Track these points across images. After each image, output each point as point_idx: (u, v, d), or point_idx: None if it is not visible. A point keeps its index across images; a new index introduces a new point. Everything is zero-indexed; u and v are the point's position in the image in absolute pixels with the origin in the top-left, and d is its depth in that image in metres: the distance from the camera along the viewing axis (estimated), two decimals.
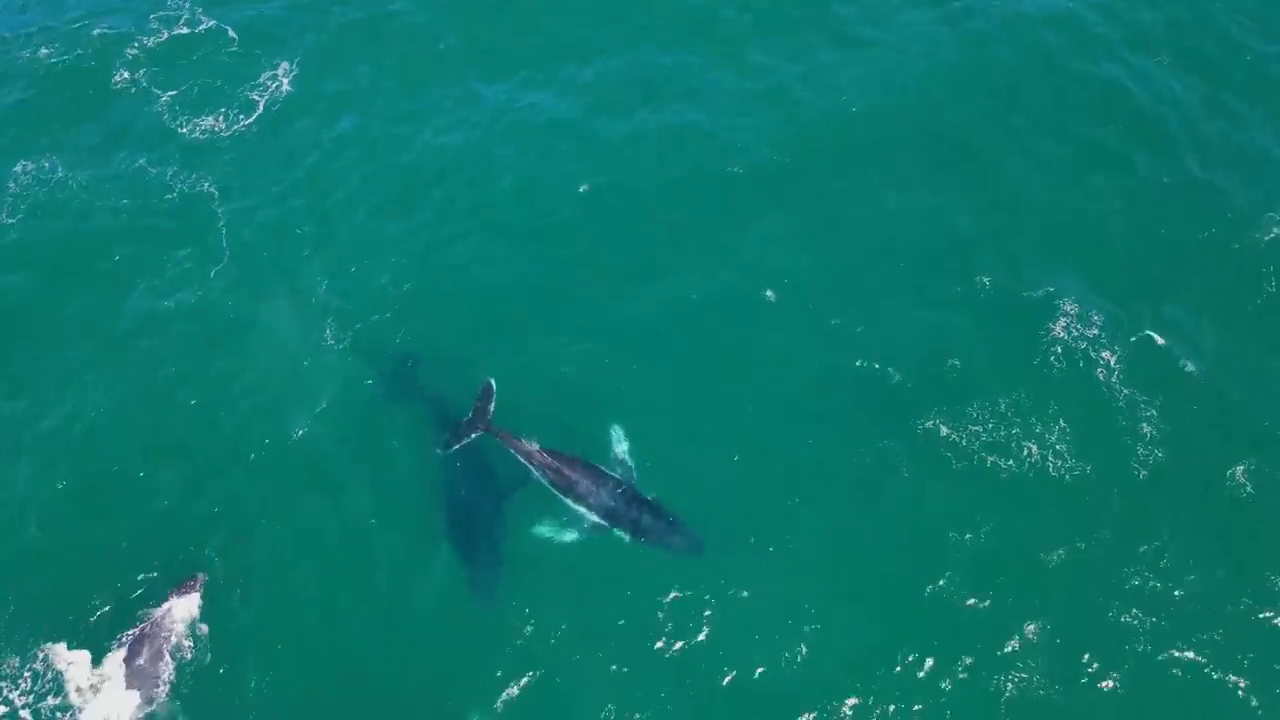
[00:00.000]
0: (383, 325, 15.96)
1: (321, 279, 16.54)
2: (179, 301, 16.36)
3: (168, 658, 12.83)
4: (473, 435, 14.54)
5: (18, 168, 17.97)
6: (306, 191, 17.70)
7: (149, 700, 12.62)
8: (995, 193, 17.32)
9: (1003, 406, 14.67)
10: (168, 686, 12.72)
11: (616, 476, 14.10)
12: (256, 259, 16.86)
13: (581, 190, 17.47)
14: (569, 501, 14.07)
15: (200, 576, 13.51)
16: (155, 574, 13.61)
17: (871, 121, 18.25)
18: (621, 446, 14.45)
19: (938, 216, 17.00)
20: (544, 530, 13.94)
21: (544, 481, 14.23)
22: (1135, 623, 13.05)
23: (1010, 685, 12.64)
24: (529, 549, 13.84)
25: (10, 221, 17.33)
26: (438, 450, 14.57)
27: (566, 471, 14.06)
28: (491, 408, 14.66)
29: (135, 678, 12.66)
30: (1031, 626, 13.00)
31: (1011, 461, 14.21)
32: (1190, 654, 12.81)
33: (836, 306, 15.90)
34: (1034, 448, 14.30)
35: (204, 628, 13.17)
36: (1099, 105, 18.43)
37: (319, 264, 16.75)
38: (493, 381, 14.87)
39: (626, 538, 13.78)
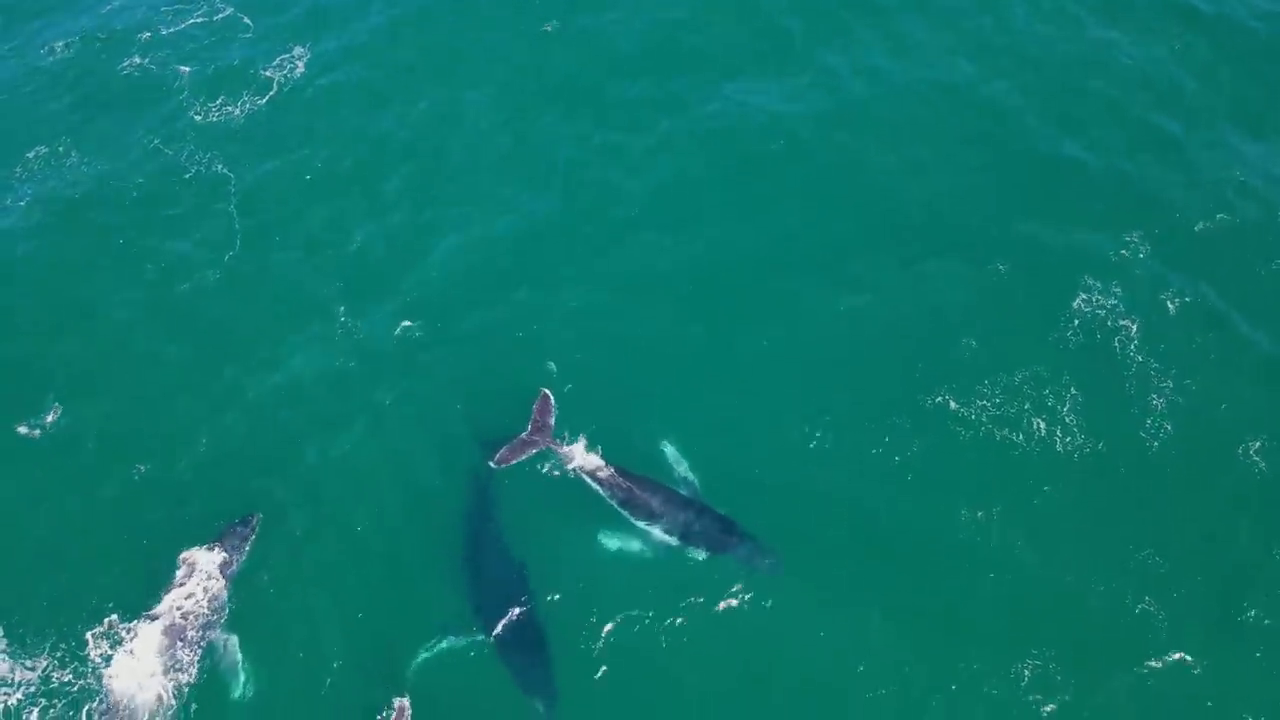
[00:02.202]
0: (397, 314, 15.79)
1: (336, 264, 16.46)
2: (194, 284, 16.32)
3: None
4: (532, 452, 13.79)
5: (30, 153, 18.03)
6: (322, 174, 17.67)
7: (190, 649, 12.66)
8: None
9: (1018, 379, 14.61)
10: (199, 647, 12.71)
11: (686, 494, 13.44)
12: (269, 242, 16.81)
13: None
14: (639, 521, 13.38)
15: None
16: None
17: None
18: (671, 451, 13.97)
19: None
20: (610, 543, 13.31)
21: (611, 501, 13.54)
22: (1151, 609, 12.83)
23: (1027, 673, 12.37)
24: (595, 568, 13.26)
25: (21, 204, 17.36)
26: (490, 465, 13.74)
27: (637, 490, 13.36)
28: (551, 421, 14.02)
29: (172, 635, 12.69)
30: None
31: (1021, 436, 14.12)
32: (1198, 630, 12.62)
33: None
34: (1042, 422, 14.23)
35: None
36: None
37: (335, 249, 16.67)
38: (549, 392, 14.25)
39: (702, 555, 13.14)
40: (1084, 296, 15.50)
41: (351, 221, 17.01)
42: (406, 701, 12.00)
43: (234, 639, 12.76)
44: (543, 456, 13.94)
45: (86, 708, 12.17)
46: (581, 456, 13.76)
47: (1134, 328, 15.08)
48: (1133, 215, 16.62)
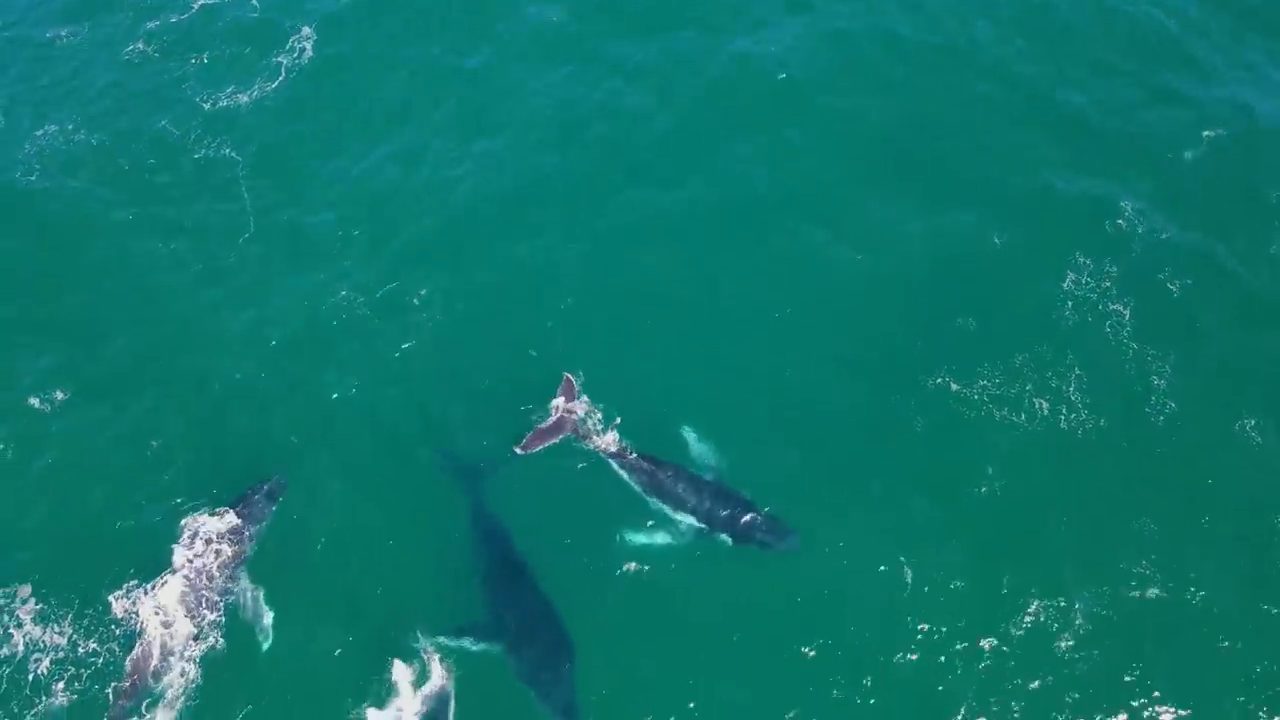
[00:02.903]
0: (406, 291, 15.95)
1: (347, 244, 16.65)
2: (206, 264, 16.49)
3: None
4: (558, 438, 13.83)
5: (40, 131, 18.16)
6: (332, 155, 17.84)
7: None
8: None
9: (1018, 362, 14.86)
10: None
11: (710, 479, 13.56)
12: (279, 222, 16.98)
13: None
14: (665, 506, 13.43)
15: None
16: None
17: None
18: (690, 436, 14.08)
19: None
20: (636, 538, 13.30)
21: (635, 486, 13.61)
22: (1147, 572, 13.18)
23: (1028, 620, 12.74)
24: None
25: (30, 179, 17.50)
26: (516, 451, 13.82)
27: (661, 475, 13.43)
28: (576, 406, 14.04)
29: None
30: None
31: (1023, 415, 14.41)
32: (1203, 592, 12.95)
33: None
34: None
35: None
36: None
37: (346, 229, 16.84)
38: (571, 376, 14.23)
39: (728, 541, 13.23)
40: (1073, 277, 15.78)
41: (363, 182, 17.32)
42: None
43: (260, 592, 12.99)
44: (566, 443, 14.03)
45: (113, 685, 12.33)
46: (606, 443, 13.83)
47: (1126, 312, 15.36)
48: (1133, 177, 17.03)
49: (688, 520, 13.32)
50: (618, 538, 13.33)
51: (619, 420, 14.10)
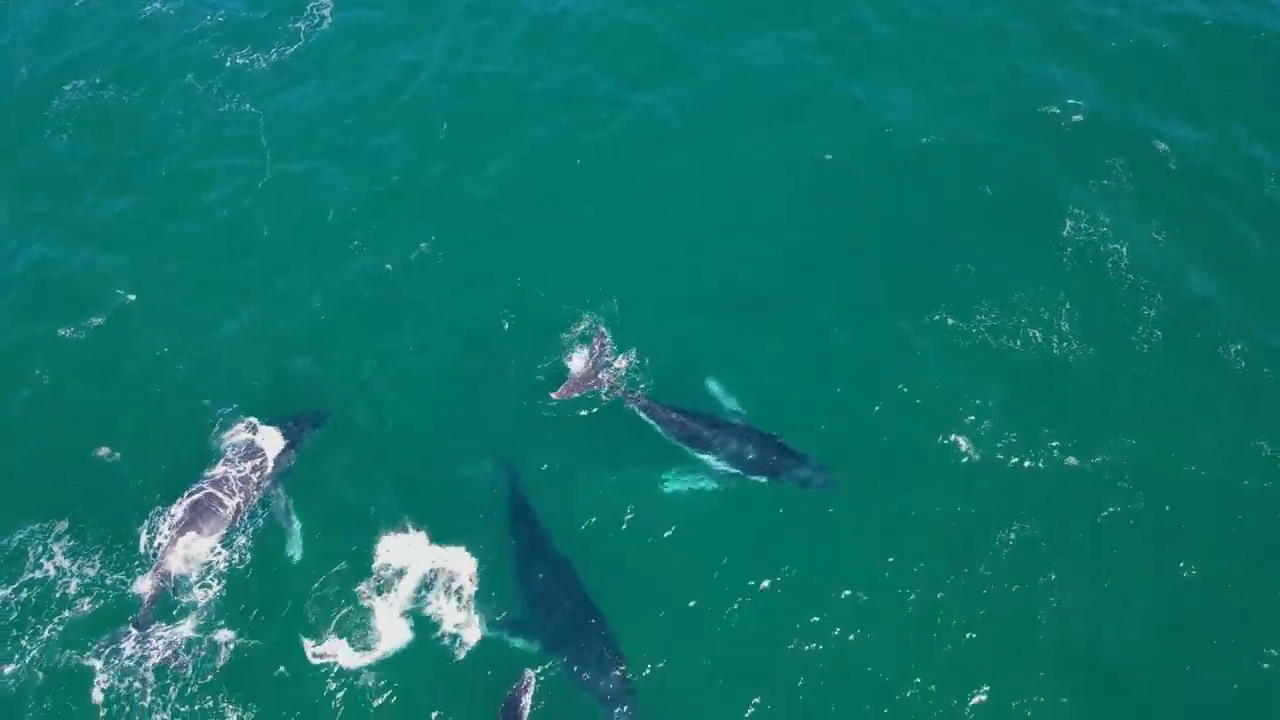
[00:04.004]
0: (418, 238, 16.49)
1: (362, 205, 17.17)
2: (228, 213, 17.12)
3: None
4: (588, 387, 14.16)
5: (67, 86, 18.83)
6: (351, 118, 18.40)
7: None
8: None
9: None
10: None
11: (739, 423, 13.83)
12: (298, 179, 17.56)
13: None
14: (699, 454, 13.71)
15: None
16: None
17: None
18: (716, 387, 14.42)
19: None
20: (675, 485, 13.58)
21: (669, 437, 13.85)
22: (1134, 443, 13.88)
23: (1013, 537, 13.22)
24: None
25: (60, 137, 18.18)
26: (551, 396, 14.24)
27: (692, 424, 13.71)
28: (608, 359, 14.40)
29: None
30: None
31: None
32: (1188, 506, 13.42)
33: None
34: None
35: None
36: None
37: (364, 190, 17.38)
38: (605, 329, 14.66)
39: (764, 480, 13.50)
40: (1071, 224, 16.36)
41: (389, 144, 17.88)
42: (532, 675, 11.97)
43: (291, 503, 13.54)
44: (597, 394, 14.39)
45: (141, 584, 12.78)
46: (634, 394, 14.19)
47: (1124, 250, 15.95)
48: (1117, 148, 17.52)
49: (722, 465, 13.62)
50: (653, 485, 13.65)
51: (645, 361, 14.58)
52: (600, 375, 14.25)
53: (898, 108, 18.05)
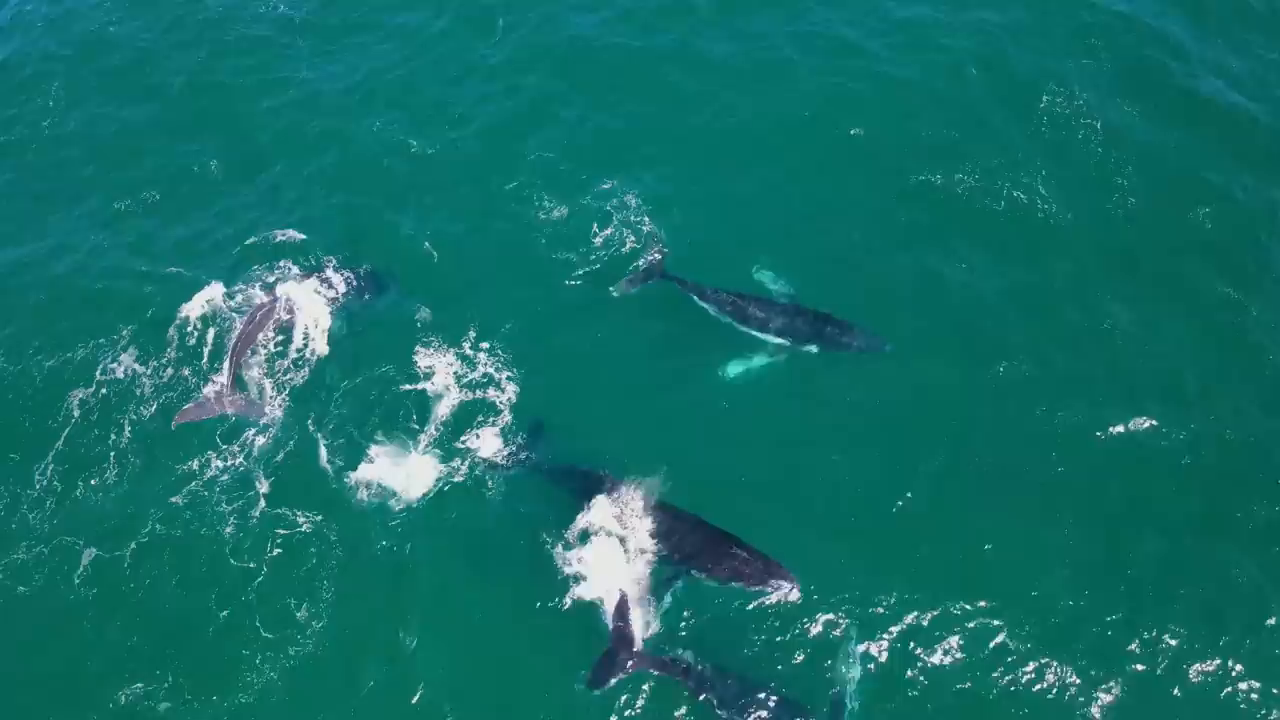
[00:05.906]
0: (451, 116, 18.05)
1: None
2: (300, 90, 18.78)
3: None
4: (649, 281, 15.30)
5: None
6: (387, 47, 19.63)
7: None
8: None
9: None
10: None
11: (787, 302, 14.96)
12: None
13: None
14: (752, 330, 14.85)
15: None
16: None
17: None
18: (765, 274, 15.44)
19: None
20: (735, 366, 14.61)
21: (723, 317, 14.97)
22: (1108, 325, 15.13)
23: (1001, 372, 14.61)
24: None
25: (111, 28, 19.97)
26: (612, 292, 15.29)
27: (742, 302, 14.87)
28: (663, 257, 15.43)
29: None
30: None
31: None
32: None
33: None
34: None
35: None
36: None
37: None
38: (662, 232, 15.84)
39: (814, 349, 14.65)
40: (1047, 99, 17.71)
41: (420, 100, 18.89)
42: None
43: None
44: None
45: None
46: (689, 285, 15.23)
47: (1099, 124, 17.27)
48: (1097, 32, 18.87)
49: (775, 340, 14.82)
50: (714, 366, 14.69)
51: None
52: (655, 270, 15.41)
53: None
